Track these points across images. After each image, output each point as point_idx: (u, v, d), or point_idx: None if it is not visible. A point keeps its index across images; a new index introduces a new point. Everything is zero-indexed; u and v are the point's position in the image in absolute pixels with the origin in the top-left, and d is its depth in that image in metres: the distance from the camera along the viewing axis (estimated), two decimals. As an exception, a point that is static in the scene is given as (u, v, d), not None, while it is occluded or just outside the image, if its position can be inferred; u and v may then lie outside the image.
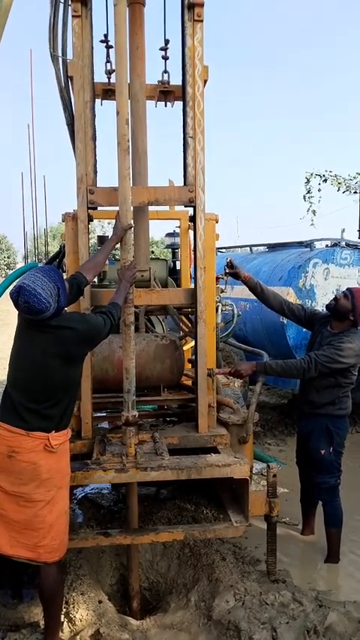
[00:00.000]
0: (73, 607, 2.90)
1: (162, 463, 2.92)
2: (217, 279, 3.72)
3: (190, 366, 3.90)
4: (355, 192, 13.76)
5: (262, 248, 8.03)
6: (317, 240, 6.40)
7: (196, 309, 3.23)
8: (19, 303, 2.40)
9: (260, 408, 3.85)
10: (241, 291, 6.14)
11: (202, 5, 3.00)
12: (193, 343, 3.58)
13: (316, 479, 3.74)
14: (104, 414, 3.95)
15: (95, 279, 3.98)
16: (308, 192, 13.71)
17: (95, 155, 3.10)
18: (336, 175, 13.74)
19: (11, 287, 2.91)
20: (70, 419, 2.69)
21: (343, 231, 7.82)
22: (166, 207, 5.34)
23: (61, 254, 3.59)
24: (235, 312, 4.99)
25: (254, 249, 8.19)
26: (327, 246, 6.37)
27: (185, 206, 3.20)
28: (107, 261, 3.89)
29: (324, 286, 5.96)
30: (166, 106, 3.59)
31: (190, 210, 3.24)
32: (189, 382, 3.88)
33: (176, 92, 3.46)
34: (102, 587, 3.24)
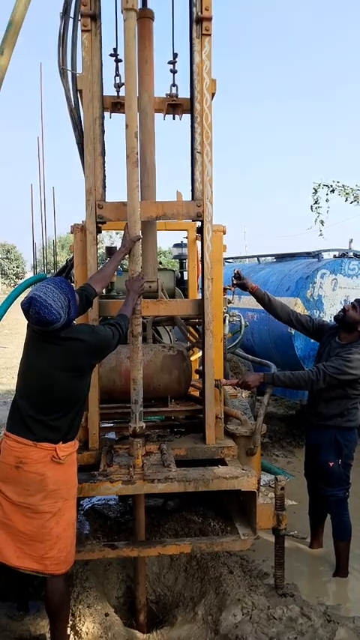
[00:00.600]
0: (80, 620, 2.88)
1: (169, 475, 2.90)
2: (225, 290, 3.72)
3: (197, 376, 3.89)
4: (364, 203, 13.73)
5: (269, 258, 8.03)
6: (325, 250, 6.41)
7: (204, 320, 3.23)
8: (30, 314, 2.41)
9: (268, 419, 3.83)
10: (249, 302, 6.13)
11: (210, 20, 3.03)
12: (200, 354, 3.58)
13: (325, 491, 3.70)
14: (111, 425, 3.94)
15: (103, 290, 3.99)
16: (316, 202, 13.68)
17: (104, 170, 3.12)
18: (344, 186, 13.72)
19: (21, 297, 2.93)
20: (77, 430, 2.70)
21: (351, 241, 7.81)
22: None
23: (69, 265, 3.61)
24: (243, 322, 4.99)
25: (262, 259, 8.19)
26: (335, 256, 6.37)
27: (193, 220, 3.21)
28: (115, 272, 3.90)
29: (332, 297, 5.95)
30: (174, 118, 3.62)
31: (198, 222, 3.25)
32: (196, 393, 3.88)
33: (184, 105, 3.49)
34: (108, 599, 3.22)
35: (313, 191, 13.91)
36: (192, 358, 4.07)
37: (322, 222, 13.86)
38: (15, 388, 2.63)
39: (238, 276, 3.84)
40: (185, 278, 6.28)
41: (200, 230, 3.25)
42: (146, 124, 3.31)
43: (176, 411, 3.73)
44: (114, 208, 3.10)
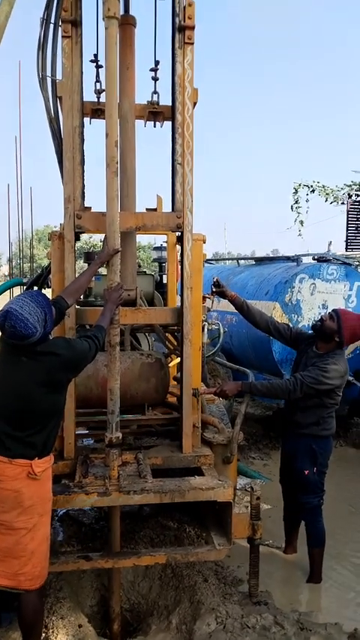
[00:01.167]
0: (53, 632, 2.86)
1: (145, 486, 2.90)
2: (204, 298, 3.72)
3: (175, 383, 3.89)
4: (343, 204, 13.91)
5: (249, 261, 8.07)
6: (304, 255, 6.46)
7: (182, 329, 3.22)
8: (6, 328, 2.38)
9: (245, 420, 3.84)
10: (228, 305, 6.13)
11: (192, 28, 3.00)
12: (178, 360, 3.57)
13: (300, 499, 3.75)
14: (87, 432, 3.91)
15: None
16: (296, 202, 13.81)
17: (83, 179, 3.08)
18: (324, 186, 13.88)
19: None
20: (53, 444, 2.67)
21: (330, 244, 7.89)
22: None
23: (45, 272, 3.56)
24: (222, 330, 4.99)
25: (241, 262, 8.23)
26: (314, 258, 6.42)
27: (172, 231, 3.19)
28: (94, 277, 3.87)
29: (310, 301, 6.00)
30: (155, 126, 3.59)
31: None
32: (174, 399, 3.87)
33: (165, 113, 3.46)
34: (82, 608, 3.20)
35: (294, 191, 14.03)
36: (170, 365, 4.07)
37: (301, 222, 13.99)
38: None
39: (217, 284, 3.85)
40: (165, 282, 6.27)
41: (180, 239, 3.23)
42: (127, 131, 3.27)
43: (153, 419, 3.73)
44: (93, 218, 3.06)
